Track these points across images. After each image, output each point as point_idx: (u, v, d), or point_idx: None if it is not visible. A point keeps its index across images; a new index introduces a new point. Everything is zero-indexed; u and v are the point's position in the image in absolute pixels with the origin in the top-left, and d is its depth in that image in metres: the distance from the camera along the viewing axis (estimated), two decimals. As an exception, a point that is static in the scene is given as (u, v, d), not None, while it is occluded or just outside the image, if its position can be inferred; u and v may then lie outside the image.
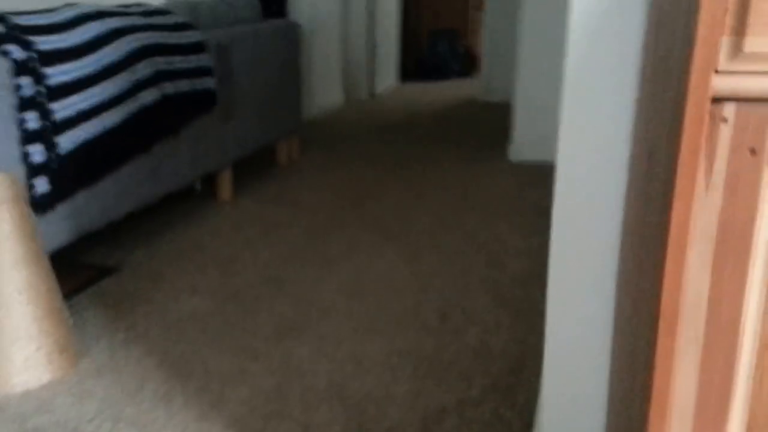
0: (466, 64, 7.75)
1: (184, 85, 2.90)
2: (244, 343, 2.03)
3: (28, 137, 2.17)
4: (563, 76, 1.13)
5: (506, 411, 1.70)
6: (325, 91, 5.76)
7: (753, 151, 0.69)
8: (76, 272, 2.51)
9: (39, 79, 2.23)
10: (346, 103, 6.20)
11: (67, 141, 2.31)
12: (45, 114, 2.24)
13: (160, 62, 2.77)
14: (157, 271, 2.56)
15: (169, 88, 2.81)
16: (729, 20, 0.65)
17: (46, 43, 2.31)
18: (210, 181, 3.46)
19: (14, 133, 2.13)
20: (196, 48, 2.99)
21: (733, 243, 0.72)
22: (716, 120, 0.68)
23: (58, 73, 2.31)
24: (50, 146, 2.24)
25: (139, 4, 3.02)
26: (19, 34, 2.23)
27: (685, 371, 0.78)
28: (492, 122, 5.15)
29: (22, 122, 2.15)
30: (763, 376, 0.77)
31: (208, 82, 3.05)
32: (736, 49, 0.66)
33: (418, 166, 3.95)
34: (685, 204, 0.70)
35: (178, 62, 2.88)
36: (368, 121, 5.38)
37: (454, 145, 4.47)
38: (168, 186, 2.87)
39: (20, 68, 2.16)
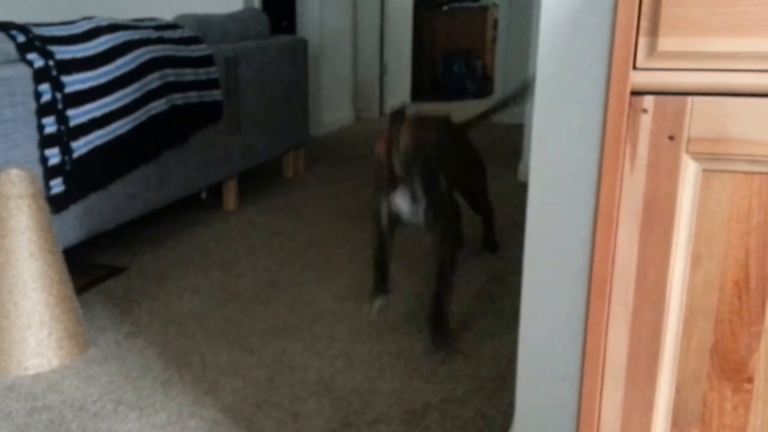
0: (484, 85, 7.74)
1: (192, 97, 3.04)
2: (240, 339, 2.16)
3: (46, 141, 2.31)
4: (535, 89, 1.25)
5: (490, 410, 1.79)
6: (334, 109, 5.86)
7: (671, 138, 0.81)
8: (86, 271, 2.65)
9: (57, 86, 2.37)
10: (355, 122, 6.30)
11: (81, 146, 2.45)
12: (62, 120, 2.38)
13: (170, 74, 2.91)
14: (162, 272, 2.70)
15: (178, 98, 2.95)
16: (644, 22, 0.78)
17: (64, 53, 2.45)
18: (216, 190, 3.59)
19: (35, 137, 2.28)
20: (205, 61, 3.14)
21: (658, 218, 0.85)
22: (637, 110, 0.81)
23: (74, 82, 2.45)
24: (66, 150, 2.38)
25: (151, 19, 3.17)
26: (39, 44, 2.38)
27: (616, 332, 0.90)
28: (504, 142, 5.23)
29: (41, 127, 2.29)
30: (690, 337, 0.89)
31: (216, 94, 3.19)
32: (652, 48, 0.79)
33: (422, 184, 4.05)
34: (611, 183, 0.83)
35: (187, 74, 3.02)
36: (377, 138, 5.47)
37: (463, 165, 4.57)
38: (175, 192, 3.01)
39: (40, 76, 2.31)
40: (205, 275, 2.66)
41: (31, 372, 1.95)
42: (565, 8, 1.15)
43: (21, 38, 2.33)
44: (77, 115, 2.44)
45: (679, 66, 0.79)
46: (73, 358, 2.03)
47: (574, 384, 1.38)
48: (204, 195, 3.64)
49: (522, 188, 3.92)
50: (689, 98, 0.80)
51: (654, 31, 0.78)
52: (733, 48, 0.77)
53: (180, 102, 2.97)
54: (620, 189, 0.84)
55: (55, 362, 1.99)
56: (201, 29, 3.26)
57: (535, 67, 1.23)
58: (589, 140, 1.18)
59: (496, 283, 2.60)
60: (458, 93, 7.70)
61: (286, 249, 2.95)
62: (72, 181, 2.40)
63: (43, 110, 2.30)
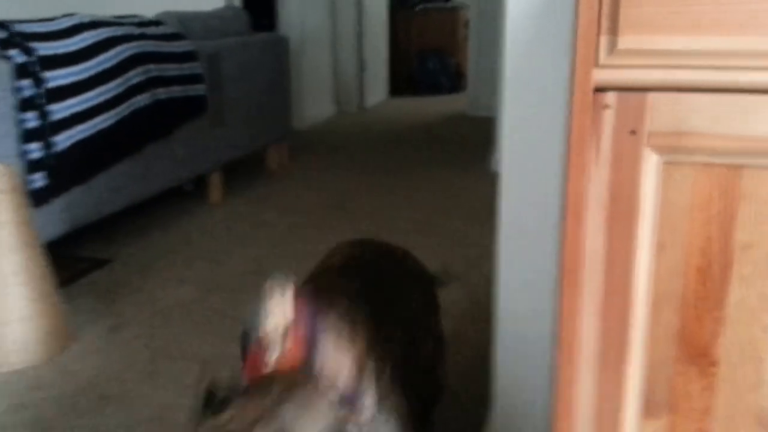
0: (457, 81, 7.93)
1: (175, 91, 3.02)
2: (225, 329, 2.15)
3: (27, 136, 2.29)
4: (502, 85, 1.25)
5: (469, 395, 1.79)
6: (315, 103, 5.88)
7: (633, 132, 0.82)
8: (70, 264, 2.63)
9: (38, 82, 2.35)
10: (336, 115, 6.32)
11: (63, 140, 2.43)
12: (43, 114, 2.36)
13: (153, 69, 2.89)
14: (147, 263, 2.69)
15: (161, 93, 2.93)
16: (604, 22, 0.78)
17: (45, 49, 2.43)
18: (201, 182, 3.58)
19: (14, 131, 2.25)
20: (188, 57, 3.12)
21: (623, 209, 0.85)
22: (600, 106, 0.81)
23: (56, 77, 2.43)
24: (47, 145, 2.36)
25: (133, 16, 3.15)
26: (20, 40, 2.35)
27: (587, 320, 0.90)
28: (477, 135, 5.26)
29: (21, 122, 2.27)
30: (658, 323, 0.90)
31: (199, 89, 3.18)
32: (612, 46, 0.79)
33: (403, 174, 4.06)
34: (578, 177, 0.83)
35: (171, 69, 3.00)
36: (357, 132, 5.51)
37: (439, 156, 4.58)
38: (159, 185, 2.99)
39: (21, 71, 2.28)
40: (189, 266, 2.65)
41: (13, 368, 1.93)
42: (528, 9, 1.15)
43: (2, 34, 2.31)
44: (59, 110, 2.42)
45: (639, 63, 0.80)
46: (56, 353, 2.01)
47: (548, 369, 1.39)
48: (189, 187, 3.62)
49: (495, 179, 3.93)
50: (649, 94, 0.80)
51: (614, 30, 0.79)
52: (689, 46, 0.78)
53: (163, 96, 2.95)
54: (586, 182, 0.85)
55: (37, 358, 1.97)
56: (183, 26, 3.25)
57: (502, 67, 1.23)
58: (556, 135, 1.19)
59: (472, 269, 2.61)
60: (433, 88, 7.89)
61: (269, 239, 2.95)
62: (54, 175, 2.38)
63: (24, 105, 2.27)
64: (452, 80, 7.95)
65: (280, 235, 2.99)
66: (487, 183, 3.85)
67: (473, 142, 5.01)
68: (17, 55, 2.30)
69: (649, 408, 0.93)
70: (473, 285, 2.47)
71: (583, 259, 0.88)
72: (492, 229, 3.04)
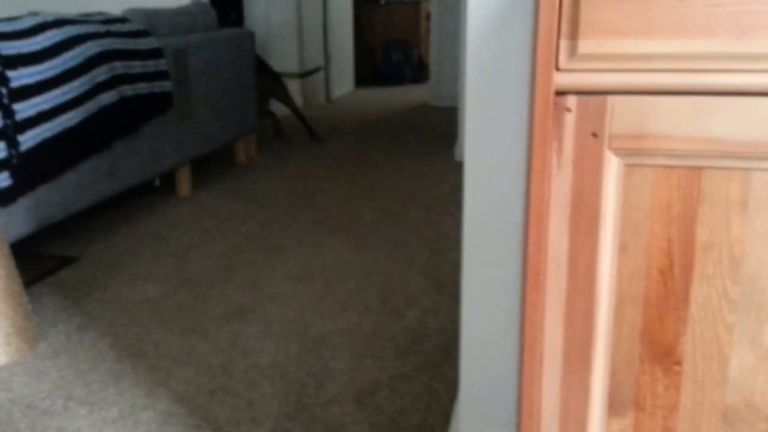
0: (420, 71, 8.02)
1: (142, 88, 2.95)
2: (194, 325, 2.10)
3: (-9, 135, 2.21)
4: (465, 83, 1.22)
5: (437, 385, 1.78)
6: (283, 96, 5.83)
7: (594, 135, 0.79)
8: (36, 263, 2.56)
9: (2, 81, 2.27)
10: (304, 107, 6.27)
11: (28, 139, 2.36)
12: (8, 114, 2.28)
13: (119, 66, 2.82)
14: (115, 260, 2.62)
15: (127, 90, 2.86)
16: (564, 26, 0.76)
17: (9, 48, 2.35)
18: (169, 177, 3.51)
19: (-23, 131, 2.17)
20: (154, 53, 3.04)
21: (585, 211, 0.82)
22: (561, 109, 0.79)
23: (21, 76, 2.35)
24: (12, 144, 2.29)
25: (99, 13, 3.07)
26: (-18, 39, 2.27)
27: (552, 321, 0.88)
28: (441, 125, 5.26)
29: (-16, 122, 2.19)
30: (621, 323, 0.87)
31: (166, 85, 3.10)
32: (573, 50, 0.77)
33: (369, 165, 4.03)
34: (540, 179, 0.80)
35: (137, 66, 2.93)
36: (324, 123, 5.46)
37: (405, 146, 4.56)
38: (127, 181, 2.92)
39: (-17, 71, 2.20)
40: (158, 261, 2.59)
41: (-19, 369, 1.87)
42: (489, 13, 1.12)
43: (-37, 35, 2.23)
44: (24, 109, 2.35)
45: (599, 67, 0.78)
46: (22, 353, 1.95)
47: (513, 362, 1.37)
48: (157, 182, 3.55)
49: (459, 167, 3.93)
50: (609, 97, 0.79)
51: (574, 35, 0.76)
52: (649, 49, 0.77)
53: (130, 93, 2.88)
54: (549, 184, 0.82)
55: (2, 359, 1.90)
56: (149, 23, 3.17)
57: (465, 59, 1.19)
58: (519, 136, 1.16)
59: (436, 257, 2.58)
60: (397, 79, 7.95)
61: (239, 232, 2.89)
62: (20, 174, 2.31)
63: (-13, 106, 2.20)
64: (415, 71, 8.03)
65: (249, 230, 2.94)
66: (453, 172, 3.83)
67: (438, 132, 4.99)
68: (-21, 55, 2.22)
69: (615, 406, 0.91)
70: (439, 273, 2.44)
71: (547, 262, 0.85)
72: (456, 217, 3.03)
